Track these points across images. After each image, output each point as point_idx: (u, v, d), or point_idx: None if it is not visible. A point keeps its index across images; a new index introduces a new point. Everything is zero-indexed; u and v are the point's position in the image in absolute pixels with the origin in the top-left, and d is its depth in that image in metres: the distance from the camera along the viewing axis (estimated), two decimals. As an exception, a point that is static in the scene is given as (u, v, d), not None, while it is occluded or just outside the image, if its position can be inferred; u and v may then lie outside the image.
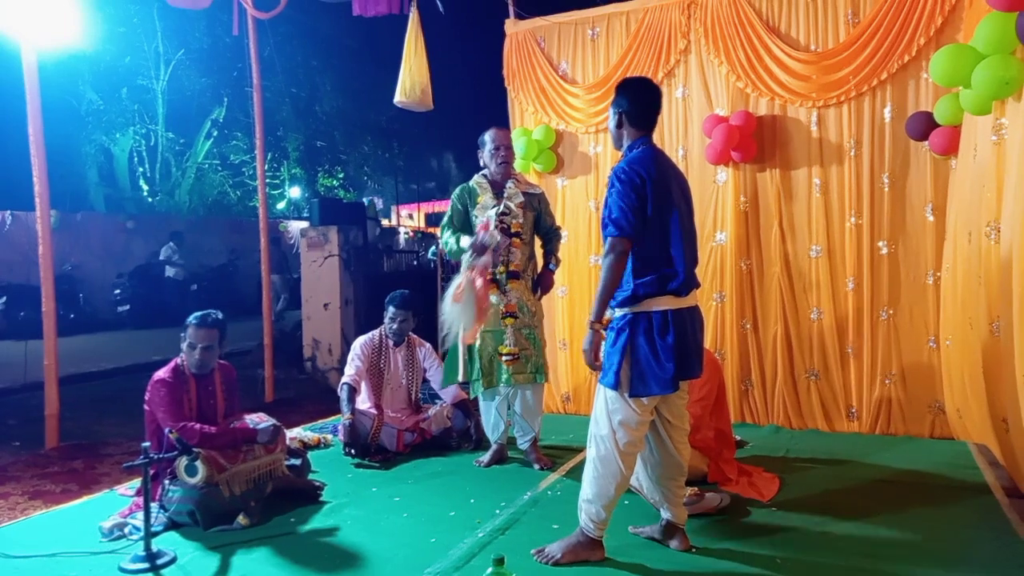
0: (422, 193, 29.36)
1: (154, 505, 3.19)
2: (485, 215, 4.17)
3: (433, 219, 26.35)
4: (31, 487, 4.14)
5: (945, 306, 4.61)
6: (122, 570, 2.91)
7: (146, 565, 2.91)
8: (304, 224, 10.40)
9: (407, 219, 28.29)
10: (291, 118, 18.75)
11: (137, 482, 3.63)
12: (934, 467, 4.08)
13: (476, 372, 4.21)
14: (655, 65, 5.38)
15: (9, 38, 4.97)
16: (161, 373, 3.52)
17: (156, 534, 3.14)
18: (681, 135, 5.39)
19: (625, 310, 2.87)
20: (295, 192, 22.19)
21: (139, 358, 8.70)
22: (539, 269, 4.45)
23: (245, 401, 4.23)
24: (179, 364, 3.58)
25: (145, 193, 17.83)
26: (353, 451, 4.48)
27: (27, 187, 4.83)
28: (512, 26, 6.02)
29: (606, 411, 2.90)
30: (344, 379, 4.67)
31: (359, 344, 4.81)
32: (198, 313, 3.62)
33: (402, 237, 21.21)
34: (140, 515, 3.05)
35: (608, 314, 3.09)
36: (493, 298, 4.13)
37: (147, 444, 3.10)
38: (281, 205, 21.70)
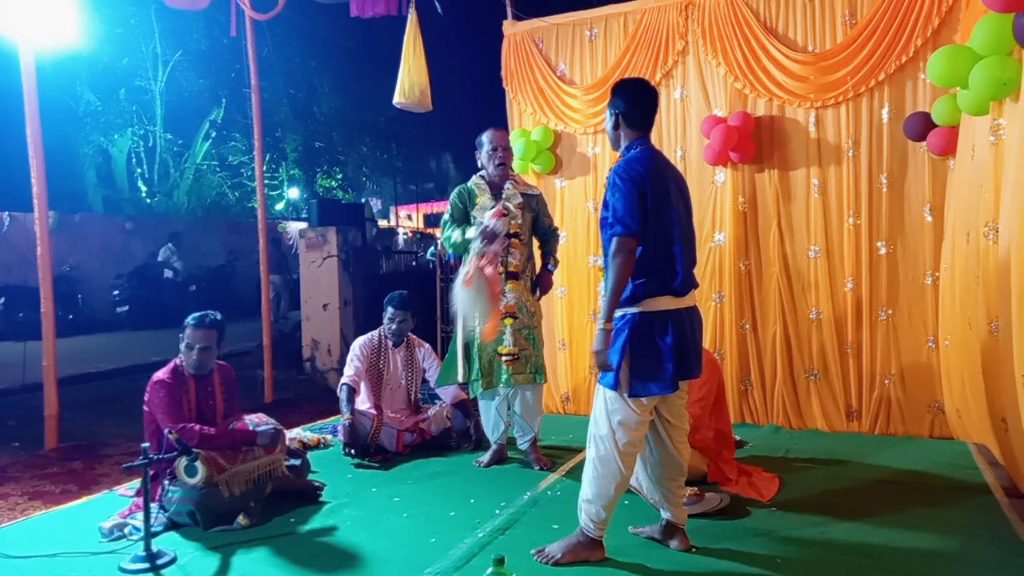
0: (421, 194, 29.36)
1: (154, 505, 3.19)
2: (484, 215, 4.17)
3: (432, 220, 26.35)
4: (31, 488, 4.14)
5: (944, 306, 4.62)
6: (122, 570, 2.91)
7: (146, 565, 2.92)
8: (303, 225, 10.40)
9: (406, 220, 28.29)
10: (289, 119, 18.75)
11: (137, 482, 3.63)
12: (933, 467, 4.09)
13: (476, 372, 4.22)
14: (653, 66, 5.39)
15: (7, 39, 4.97)
16: (160, 374, 3.52)
17: (156, 534, 3.14)
18: (679, 136, 5.39)
19: (624, 310, 2.87)
20: (294, 193, 22.18)
21: (138, 359, 8.69)
22: (537, 270, 4.45)
23: (244, 402, 4.23)
24: (178, 365, 3.58)
25: (143, 194, 17.82)
26: (353, 451, 4.49)
27: (25, 188, 4.83)
28: (510, 27, 6.02)
29: (605, 411, 2.90)
30: (343, 380, 4.67)
31: (358, 345, 4.81)
32: (196, 314, 3.62)
33: (401, 238, 21.22)
34: (140, 515, 3.05)
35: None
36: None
37: (146, 445, 3.11)
38: (280, 206, 21.70)
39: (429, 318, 7.05)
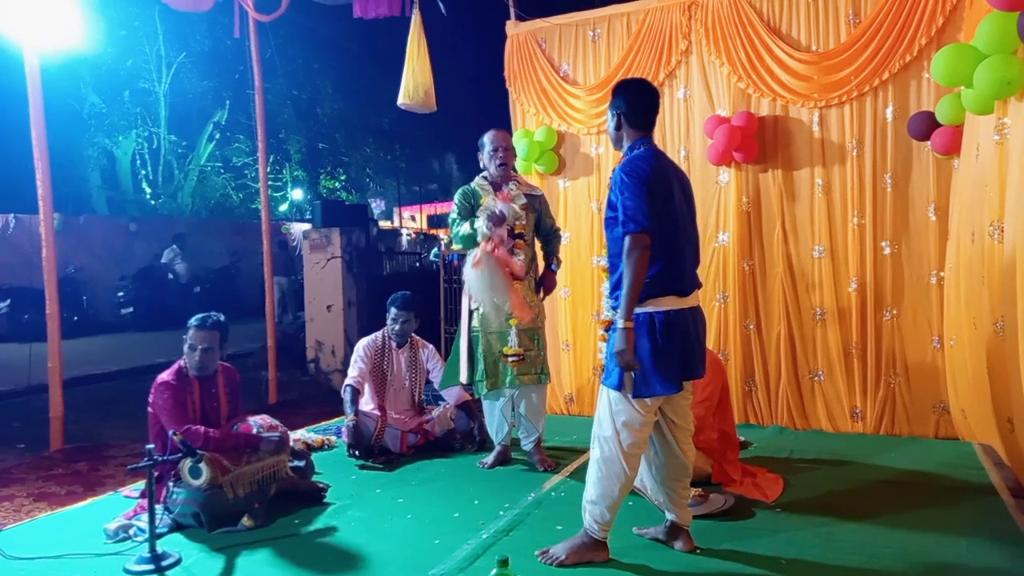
0: (424, 195, 29.39)
1: (158, 507, 3.19)
2: (491, 199, 4.17)
3: (435, 221, 26.37)
4: (36, 489, 4.15)
5: (948, 306, 4.60)
6: (127, 572, 2.92)
7: (151, 567, 2.92)
8: (306, 226, 10.41)
9: (409, 221, 28.31)
10: (293, 120, 18.76)
11: (141, 484, 3.64)
12: (939, 468, 4.07)
13: (480, 373, 4.22)
14: (656, 66, 5.38)
15: (11, 41, 4.98)
16: (164, 375, 3.53)
17: (160, 536, 3.14)
18: (683, 136, 5.39)
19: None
20: (297, 194, 22.20)
21: (142, 360, 8.70)
22: (540, 270, 4.45)
23: (249, 403, 4.24)
24: (182, 366, 3.58)
25: (148, 196, 17.87)
26: (357, 453, 4.49)
27: (30, 190, 4.84)
28: (513, 28, 6.02)
29: (610, 412, 2.90)
30: (347, 381, 4.68)
31: (362, 346, 4.82)
32: (199, 315, 3.63)
33: (404, 239, 21.23)
34: (144, 517, 3.05)
35: (609, 315, 3.09)
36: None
37: (151, 446, 3.12)
38: (283, 207, 21.72)
39: (432, 319, 7.05)
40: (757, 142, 5.05)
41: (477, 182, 4.34)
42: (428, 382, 5.00)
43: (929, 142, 4.57)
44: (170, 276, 13.25)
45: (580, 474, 3.74)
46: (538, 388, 4.31)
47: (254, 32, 6.63)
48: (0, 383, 7.31)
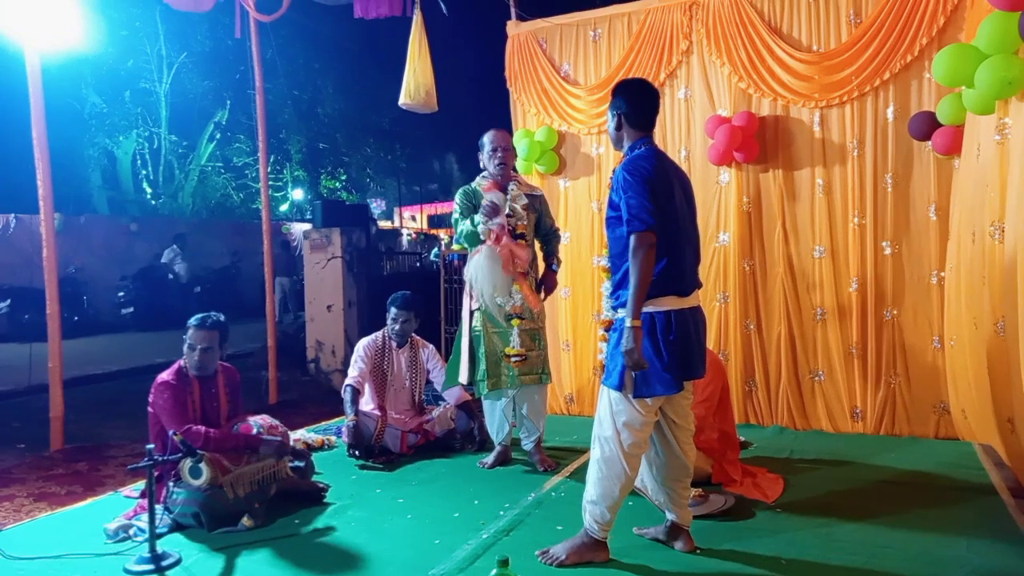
0: (424, 195, 29.40)
1: (158, 507, 3.19)
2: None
3: (436, 221, 26.37)
4: (36, 489, 4.15)
5: (949, 306, 4.60)
6: (127, 572, 2.92)
7: (151, 567, 2.92)
8: (307, 226, 10.41)
9: (410, 221, 28.32)
10: (293, 120, 18.77)
11: (141, 484, 3.64)
12: (939, 468, 4.07)
13: (482, 373, 4.21)
14: (657, 66, 5.38)
15: (12, 41, 4.99)
16: (164, 375, 3.53)
17: (161, 536, 3.14)
18: (684, 136, 5.39)
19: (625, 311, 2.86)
20: (298, 194, 22.22)
21: (143, 360, 8.71)
22: (541, 270, 4.45)
23: (249, 403, 4.23)
24: (182, 366, 3.58)
25: (148, 196, 17.87)
26: (357, 453, 4.49)
27: (31, 190, 4.85)
28: (514, 28, 6.02)
29: (610, 412, 2.89)
30: (347, 381, 4.68)
31: (362, 346, 4.82)
32: (199, 315, 3.63)
33: (405, 239, 21.24)
34: (144, 517, 3.05)
35: (609, 315, 3.09)
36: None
37: (151, 446, 3.12)
38: (284, 207, 21.73)
39: (433, 319, 7.05)
40: (758, 142, 5.05)
41: (478, 182, 4.35)
42: (428, 382, 5.00)
43: (930, 142, 4.57)
44: (170, 276, 13.26)
45: (580, 474, 3.74)
46: (539, 388, 4.31)
47: (255, 32, 6.63)
48: (0, 383, 7.31)
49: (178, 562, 3.00)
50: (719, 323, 5.20)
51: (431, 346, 5.01)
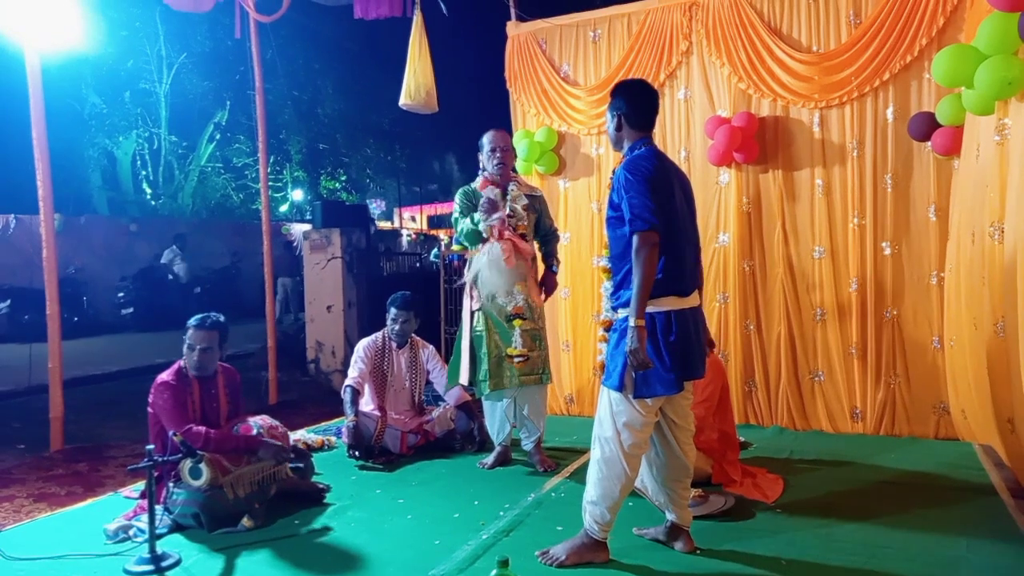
0: (424, 195, 29.39)
1: (158, 507, 3.19)
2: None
3: (435, 221, 26.36)
4: (36, 490, 4.15)
5: (949, 306, 4.60)
6: (127, 572, 2.92)
7: (151, 567, 2.92)
8: (307, 227, 10.40)
9: (409, 221, 28.31)
10: (293, 121, 18.77)
11: (141, 485, 3.64)
12: (939, 468, 4.07)
13: (484, 373, 4.21)
14: (657, 67, 5.38)
15: (12, 41, 4.98)
16: (164, 376, 3.53)
17: (160, 536, 3.14)
18: (683, 136, 5.39)
19: (628, 311, 2.86)
20: (298, 195, 22.22)
21: (143, 361, 8.71)
22: (540, 271, 4.46)
23: (249, 404, 4.23)
24: (182, 367, 3.59)
25: (148, 196, 17.87)
26: (357, 453, 4.49)
27: (30, 190, 4.84)
28: (514, 28, 6.02)
29: (610, 413, 2.89)
30: (347, 381, 4.68)
31: (362, 346, 4.82)
32: (198, 315, 3.64)
33: (404, 239, 21.23)
34: (144, 517, 3.05)
35: (609, 316, 3.09)
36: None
37: (151, 447, 3.12)
38: (284, 208, 21.74)
39: (432, 319, 7.05)
40: (757, 143, 5.05)
41: (478, 182, 4.35)
42: (428, 383, 5.00)
43: (929, 143, 4.57)
44: (170, 277, 13.26)
45: (580, 475, 3.74)
46: (540, 388, 4.31)
47: (255, 33, 6.63)
48: (0, 383, 7.31)
49: (178, 563, 3.00)
50: (719, 323, 5.20)
51: (431, 347, 5.01)
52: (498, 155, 4.25)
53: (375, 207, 25.10)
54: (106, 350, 10.04)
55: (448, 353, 4.76)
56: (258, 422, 3.67)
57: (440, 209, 26.32)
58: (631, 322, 2.74)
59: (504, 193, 4.27)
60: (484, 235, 4.13)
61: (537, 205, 4.37)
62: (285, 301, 13.17)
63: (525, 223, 4.25)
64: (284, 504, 3.61)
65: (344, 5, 6.24)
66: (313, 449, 4.68)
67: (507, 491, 3.86)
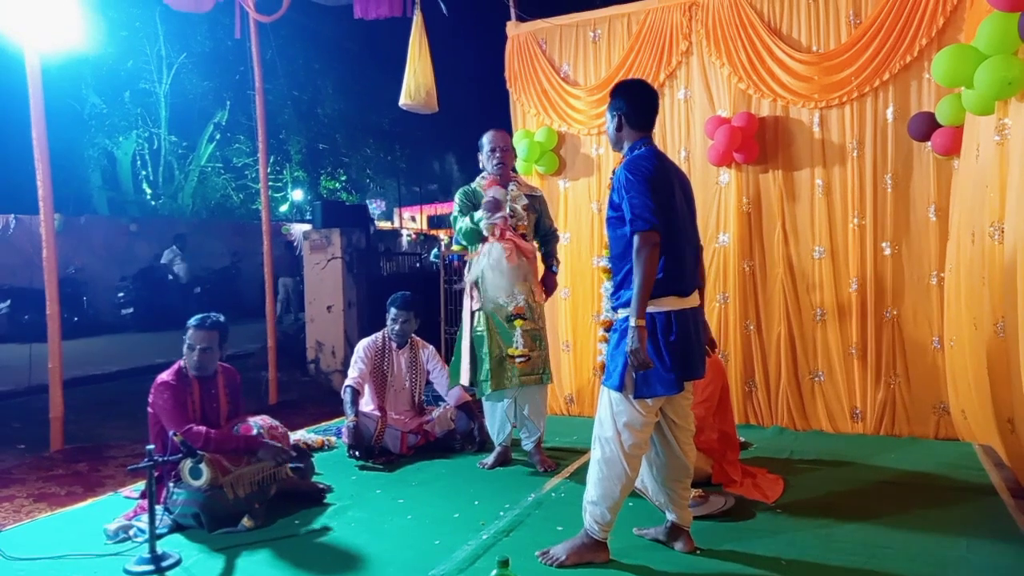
0: (424, 195, 29.40)
1: (159, 507, 3.19)
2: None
3: (435, 221, 26.37)
4: (36, 490, 4.15)
5: (949, 306, 4.60)
6: (127, 572, 2.92)
7: (151, 567, 2.92)
8: (307, 227, 10.40)
9: (409, 221, 28.32)
10: (293, 121, 18.78)
11: (141, 485, 3.65)
12: (939, 468, 4.07)
13: (485, 373, 4.20)
14: (657, 67, 5.39)
15: (12, 42, 4.98)
16: (164, 376, 3.53)
17: (161, 536, 3.14)
18: (683, 137, 5.39)
19: (628, 311, 2.86)
20: (297, 195, 22.23)
21: (142, 361, 8.71)
22: (540, 271, 4.46)
23: (249, 404, 4.23)
24: (182, 367, 3.59)
25: (148, 196, 17.88)
26: (357, 453, 4.49)
27: (30, 190, 4.84)
28: (514, 28, 6.02)
29: (611, 413, 2.89)
30: (347, 382, 4.68)
31: (362, 347, 4.82)
32: (198, 315, 3.64)
33: (404, 239, 21.24)
34: (145, 517, 3.05)
35: (609, 316, 3.09)
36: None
37: (151, 447, 3.12)
38: (284, 208, 21.74)
39: (432, 320, 7.05)
40: (757, 143, 5.05)
41: (478, 182, 4.36)
42: (428, 383, 5.00)
43: (929, 143, 4.57)
44: (170, 277, 13.26)
45: (580, 475, 3.74)
46: (540, 388, 4.31)
47: (255, 33, 6.63)
48: (0, 383, 7.31)
49: (178, 563, 3.00)
50: (719, 324, 5.20)
51: (431, 347, 5.01)
52: (498, 155, 4.25)
53: (375, 207, 25.10)
54: (106, 350, 10.04)
55: (448, 353, 4.76)
56: (258, 422, 3.68)
57: (440, 209, 26.32)
58: (632, 322, 2.74)
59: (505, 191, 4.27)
60: (485, 233, 4.12)
61: (537, 205, 4.37)
62: (287, 301, 13.18)
63: (525, 223, 4.25)
64: (284, 504, 3.61)
65: (344, 5, 6.25)
66: (313, 449, 4.68)
67: (507, 491, 3.86)
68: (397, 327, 4.80)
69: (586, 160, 5.75)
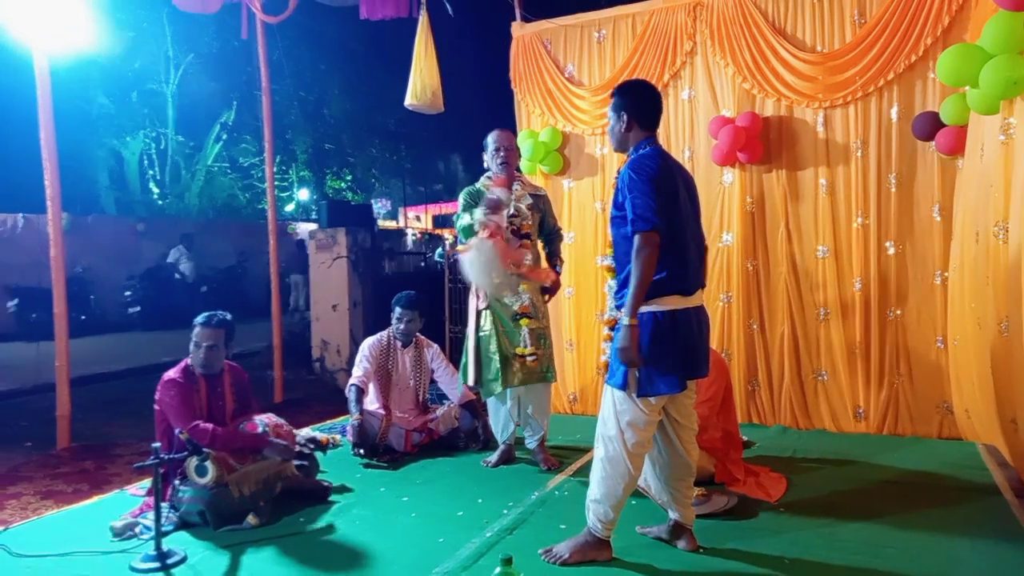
0: (429, 195, 29.40)
1: (164, 505, 3.21)
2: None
3: (440, 221, 26.38)
4: (43, 487, 4.18)
5: (952, 306, 4.60)
6: (133, 569, 2.94)
7: (157, 564, 2.94)
8: (313, 226, 10.44)
9: (415, 221, 28.34)
10: (300, 121, 18.84)
11: (147, 482, 3.67)
12: (942, 468, 4.07)
13: (494, 372, 4.21)
14: (661, 67, 5.39)
15: (21, 44, 5.02)
16: (171, 373, 3.55)
17: (166, 534, 3.15)
18: (687, 136, 5.39)
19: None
20: (303, 194, 22.29)
21: (149, 359, 8.75)
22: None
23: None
24: (189, 365, 3.61)
25: (155, 196, 17.95)
26: (361, 451, 4.51)
27: (38, 190, 4.88)
28: (518, 29, 6.03)
29: (614, 412, 2.90)
30: (352, 380, 4.69)
31: (367, 345, 4.84)
32: (205, 313, 3.66)
33: (409, 239, 21.27)
34: (150, 515, 3.07)
35: (613, 315, 3.10)
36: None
37: (157, 445, 3.14)
38: (290, 207, 21.80)
39: (437, 319, 7.07)
40: (761, 142, 5.05)
41: (482, 182, 4.36)
42: (433, 381, 5.01)
43: (933, 142, 4.57)
44: (177, 276, 13.32)
45: (584, 473, 3.75)
46: (544, 387, 4.32)
47: (261, 34, 6.66)
48: (8, 381, 7.36)
49: (184, 560, 3.02)
50: (722, 323, 5.20)
51: (435, 346, 5.02)
52: (502, 155, 4.25)
53: (380, 207, 25.16)
54: (113, 349, 10.09)
55: (454, 352, 4.77)
56: (264, 420, 3.69)
57: (445, 209, 26.31)
58: (624, 320, 2.76)
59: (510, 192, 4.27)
60: (475, 229, 4.08)
61: (541, 204, 4.38)
62: (297, 298, 13.30)
63: (529, 222, 4.26)
64: (289, 502, 3.63)
65: (350, 6, 6.27)
66: (324, 444, 4.63)
67: (511, 489, 3.87)
68: (402, 326, 4.82)
69: (590, 160, 5.76)
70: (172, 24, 15.41)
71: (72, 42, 5.09)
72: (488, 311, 4.25)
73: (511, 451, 4.41)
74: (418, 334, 4.94)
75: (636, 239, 2.76)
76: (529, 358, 4.17)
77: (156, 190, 17.90)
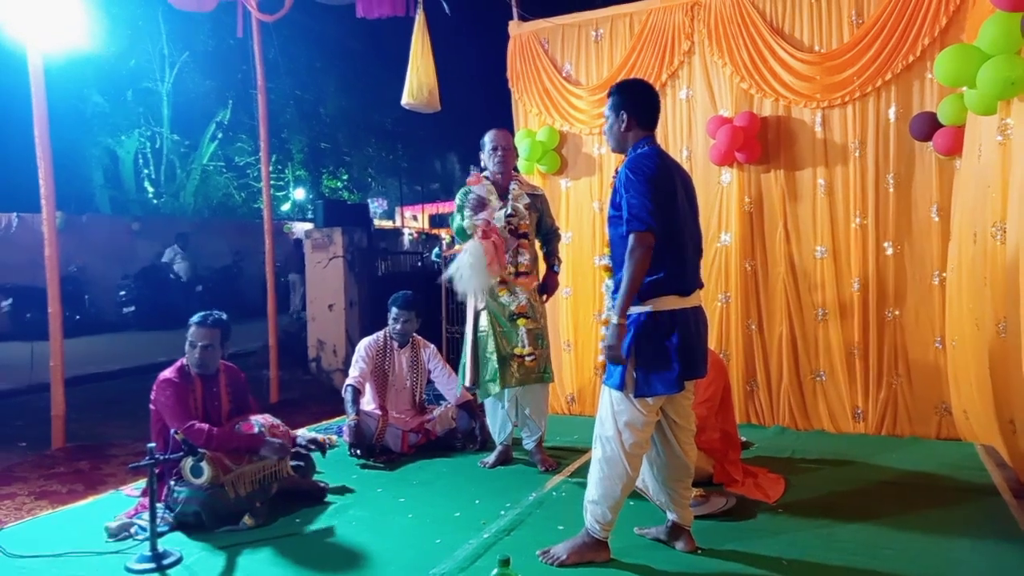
0: (426, 194, 29.39)
1: (160, 506, 3.20)
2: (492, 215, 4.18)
3: (437, 220, 26.37)
4: (37, 487, 4.16)
5: (951, 306, 4.60)
6: (128, 570, 2.92)
7: (152, 565, 2.92)
8: (308, 226, 10.42)
9: (411, 220, 28.32)
10: (295, 120, 18.80)
11: (143, 483, 3.64)
12: (940, 468, 4.07)
13: (492, 373, 4.19)
14: (659, 66, 5.38)
15: (15, 41, 5.00)
16: (167, 373, 3.53)
17: (162, 534, 3.14)
18: (685, 136, 5.38)
19: (630, 310, 2.86)
20: (299, 194, 22.25)
21: (144, 359, 8.72)
22: (542, 271, 4.45)
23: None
24: (184, 364, 3.59)
25: (150, 195, 17.90)
26: (358, 452, 4.49)
27: (33, 189, 4.86)
28: (516, 28, 6.02)
29: (612, 412, 2.89)
30: (348, 381, 4.68)
31: (363, 346, 4.82)
32: (200, 313, 3.65)
33: (406, 238, 21.25)
34: (146, 515, 3.06)
35: (609, 315, 3.08)
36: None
37: (153, 445, 3.12)
38: (286, 207, 21.76)
39: (434, 319, 7.05)
40: (759, 142, 5.04)
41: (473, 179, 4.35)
42: (430, 382, 5.00)
43: (931, 143, 4.57)
44: (172, 275, 13.28)
45: (581, 474, 3.74)
46: (542, 387, 4.32)
47: (257, 32, 6.63)
48: (2, 381, 7.33)
49: (179, 561, 3.00)
50: (721, 323, 5.20)
51: (432, 346, 5.01)
52: (499, 154, 4.25)
53: (376, 206, 25.11)
54: (108, 348, 10.06)
55: (450, 352, 4.76)
56: (260, 421, 3.67)
57: (442, 208, 26.30)
58: (613, 319, 2.75)
59: (505, 192, 4.27)
60: (469, 232, 4.10)
61: (538, 204, 4.37)
62: (297, 297, 13.27)
63: (527, 222, 4.25)
64: (285, 503, 3.61)
65: (346, 4, 6.25)
66: (322, 444, 4.60)
67: (508, 490, 3.86)
68: (399, 326, 4.80)
69: (588, 159, 5.75)
70: (167, 22, 15.37)
71: (67, 40, 5.07)
72: (486, 311, 4.24)
73: (509, 452, 4.40)
74: (415, 334, 4.93)
75: (630, 239, 2.76)
76: (527, 358, 4.16)
77: (151, 189, 17.85)
